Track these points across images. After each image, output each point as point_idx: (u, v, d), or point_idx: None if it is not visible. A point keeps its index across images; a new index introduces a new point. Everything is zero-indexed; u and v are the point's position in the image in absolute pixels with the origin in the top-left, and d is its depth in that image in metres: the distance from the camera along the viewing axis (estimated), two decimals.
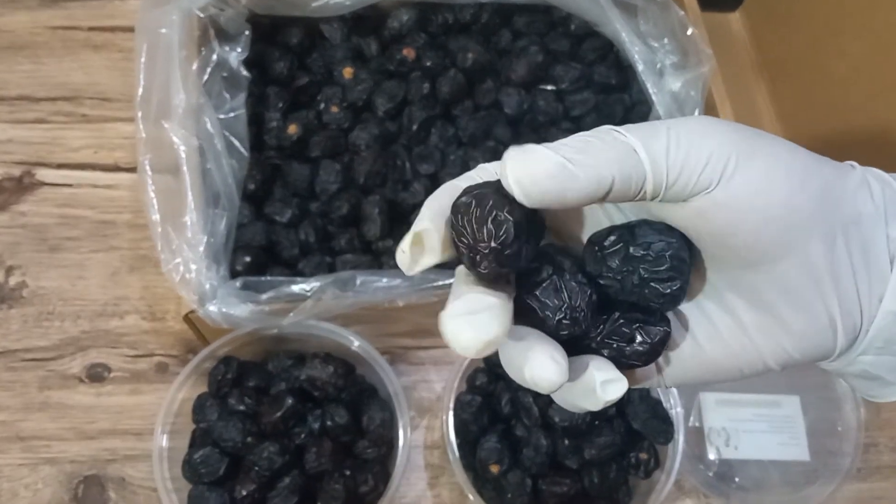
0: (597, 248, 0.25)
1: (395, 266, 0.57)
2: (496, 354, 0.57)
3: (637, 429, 0.53)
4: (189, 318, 0.50)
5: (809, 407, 0.61)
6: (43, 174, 0.65)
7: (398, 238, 0.56)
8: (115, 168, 0.65)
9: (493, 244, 0.22)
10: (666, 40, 0.60)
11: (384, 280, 0.50)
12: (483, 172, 0.26)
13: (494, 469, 0.52)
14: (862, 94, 0.64)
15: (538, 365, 0.22)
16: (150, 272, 0.61)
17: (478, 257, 0.22)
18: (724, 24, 0.80)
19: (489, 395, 0.55)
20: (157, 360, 0.59)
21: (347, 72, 0.62)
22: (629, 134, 0.23)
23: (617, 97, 0.64)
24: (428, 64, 0.62)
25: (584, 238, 0.27)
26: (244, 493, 0.48)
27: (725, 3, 0.80)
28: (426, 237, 0.24)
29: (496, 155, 0.60)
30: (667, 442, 0.53)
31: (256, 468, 0.49)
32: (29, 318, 0.59)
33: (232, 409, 0.51)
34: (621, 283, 0.24)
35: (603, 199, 0.22)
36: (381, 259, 0.56)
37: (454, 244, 0.23)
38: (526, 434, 0.53)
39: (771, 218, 0.23)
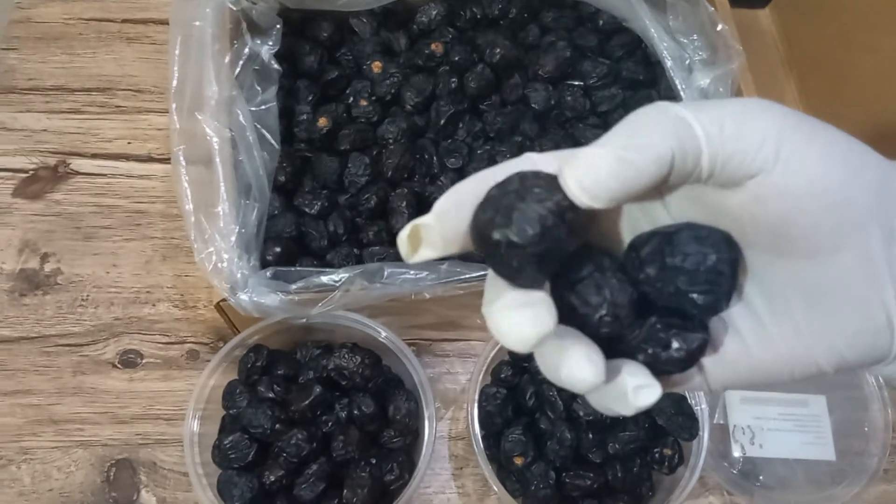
0: (635, 254, 0.24)
1: None
2: None
3: (662, 424, 0.53)
4: (220, 307, 0.51)
5: (836, 406, 0.60)
6: (78, 164, 0.66)
7: None
8: (149, 159, 0.67)
9: (529, 247, 0.21)
10: (695, 36, 0.60)
11: (411, 272, 0.51)
12: (526, 161, 0.24)
13: (518, 461, 0.52)
14: (893, 90, 0.63)
15: (575, 364, 0.22)
16: (182, 261, 0.62)
17: (514, 261, 0.22)
18: (754, 20, 0.80)
19: (514, 387, 0.56)
20: (189, 347, 0.60)
21: (376, 66, 0.63)
22: (678, 106, 0.22)
23: (645, 93, 0.64)
24: (456, 58, 0.62)
25: (623, 236, 0.26)
26: (272, 478, 0.49)
27: None
28: (424, 231, 0.23)
29: (523, 150, 0.60)
30: (691, 438, 0.53)
31: (284, 455, 0.49)
32: (63, 305, 0.60)
33: (261, 397, 0.52)
34: (658, 292, 0.24)
35: (666, 179, 0.22)
36: None
37: (477, 247, 0.23)
38: (550, 427, 0.53)
39: (830, 205, 0.22)
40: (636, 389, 0.23)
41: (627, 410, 0.23)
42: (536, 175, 0.22)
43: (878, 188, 0.23)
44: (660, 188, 0.24)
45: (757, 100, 0.23)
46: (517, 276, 0.22)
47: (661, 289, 0.24)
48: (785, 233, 0.23)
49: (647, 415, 0.54)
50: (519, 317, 0.22)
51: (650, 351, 0.24)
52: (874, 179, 0.23)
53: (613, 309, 0.23)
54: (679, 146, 0.21)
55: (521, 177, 0.22)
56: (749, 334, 0.25)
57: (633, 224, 0.26)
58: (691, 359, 0.24)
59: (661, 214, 0.26)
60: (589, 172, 0.21)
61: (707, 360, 0.25)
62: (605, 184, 0.21)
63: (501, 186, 0.22)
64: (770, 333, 0.24)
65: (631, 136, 0.21)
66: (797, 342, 0.24)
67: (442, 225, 0.23)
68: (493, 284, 0.24)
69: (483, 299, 0.24)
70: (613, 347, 0.24)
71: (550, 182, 0.22)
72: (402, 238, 0.24)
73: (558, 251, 0.22)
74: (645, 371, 0.24)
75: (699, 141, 0.22)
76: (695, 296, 0.23)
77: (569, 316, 0.24)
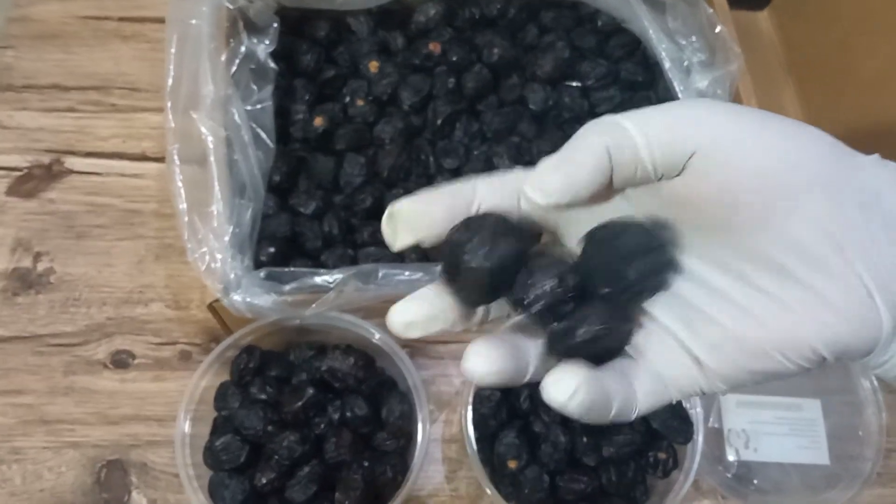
0: (583, 246, 0.27)
1: (417, 260, 0.57)
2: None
3: (656, 428, 0.53)
4: (213, 307, 0.51)
5: (831, 410, 0.60)
6: (72, 162, 0.66)
7: None
8: (143, 158, 0.66)
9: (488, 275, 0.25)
10: (694, 38, 0.59)
11: (406, 273, 0.50)
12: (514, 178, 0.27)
13: (512, 464, 0.52)
14: (892, 94, 0.63)
15: (470, 356, 0.25)
16: (175, 261, 0.62)
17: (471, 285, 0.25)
18: (753, 22, 0.80)
19: (508, 390, 0.55)
20: (181, 347, 0.59)
21: (373, 65, 0.62)
22: (621, 116, 0.25)
23: (643, 94, 0.64)
24: (453, 58, 0.62)
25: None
26: (264, 480, 0.49)
27: (754, 1, 0.80)
28: (398, 217, 0.26)
29: (520, 150, 0.60)
30: (686, 442, 0.53)
31: (277, 456, 0.49)
32: (56, 304, 0.60)
33: (253, 398, 0.52)
34: (601, 274, 0.26)
35: (611, 178, 0.24)
36: (403, 253, 0.56)
37: (451, 267, 0.25)
38: (544, 430, 0.53)
39: (769, 169, 0.23)
40: (555, 382, 0.24)
41: (556, 406, 0.24)
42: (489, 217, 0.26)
43: (827, 159, 0.24)
44: (620, 188, 0.26)
45: (690, 99, 0.26)
46: (470, 296, 0.26)
47: (603, 271, 0.26)
48: (729, 201, 0.24)
49: (642, 418, 0.53)
50: (407, 303, 0.26)
51: (554, 328, 0.26)
52: (821, 151, 0.24)
53: (541, 289, 0.25)
54: (613, 142, 0.24)
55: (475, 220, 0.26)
56: (724, 317, 0.25)
57: (582, 226, 0.28)
58: (550, 308, 0.25)
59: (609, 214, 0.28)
60: (537, 177, 0.24)
61: (699, 352, 0.26)
62: (550, 180, 0.24)
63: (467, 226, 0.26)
64: (746, 310, 0.25)
65: (571, 144, 0.25)
66: (778, 314, 0.24)
67: (414, 211, 0.26)
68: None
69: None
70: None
71: (504, 223, 0.26)
72: (384, 223, 0.26)
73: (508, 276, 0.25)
74: (570, 367, 0.24)
75: (630, 133, 0.24)
76: (632, 275, 0.25)
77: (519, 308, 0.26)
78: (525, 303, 0.25)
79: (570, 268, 0.26)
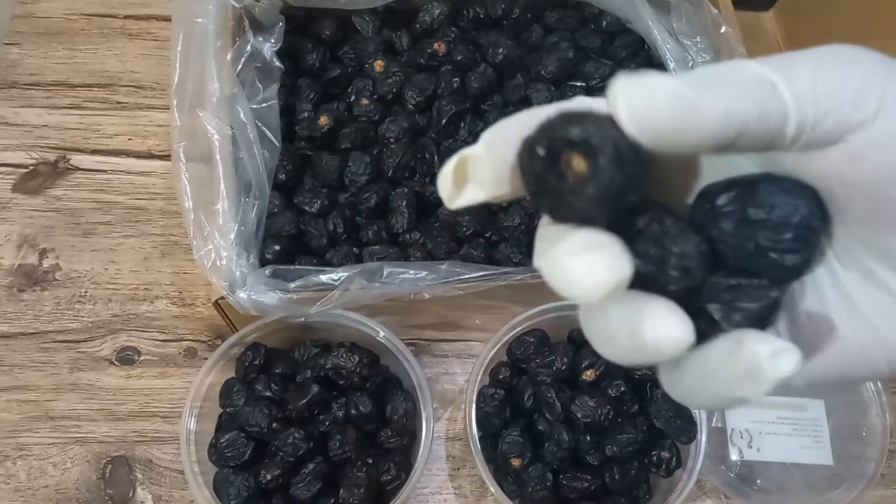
0: (708, 204, 0.21)
1: (422, 258, 0.57)
2: (520, 350, 0.57)
3: (660, 427, 0.53)
4: (219, 305, 0.51)
5: (834, 411, 0.60)
6: (77, 160, 0.66)
7: (425, 231, 0.57)
8: (149, 155, 0.66)
9: (586, 187, 0.18)
10: (698, 38, 0.59)
11: (411, 272, 0.50)
12: (579, 103, 0.21)
13: (516, 462, 0.52)
14: None
15: (661, 321, 0.19)
16: (180, 258, 0.62)
17: (563, 202, 0.19)
18: (758, 23, 0.80)
19: (512, 388, 0.56)
20: (186, 344, 0.60)
21: (378, 64, 0.62)
22: (765, 65, 0.19)
23: None
24: (458, 58, 0.62)
25: (686, 195, 0.23)
26: (269, 477, 0.49)
27: (759, 2, 0.80)
28: (473, 164, 0.20)
29: None
30: (689, 441, 0.53)
31: (281, 454, 0.49)
32: (61, 301, 0.60)
33: (258, 395, 0.52)
34: (734, 250, 0.20)
35: (732, 143, 0.19)
36: (407, 251, 0.56)
37: (528, 180, 0.19)
38: (548, 429, 0.53)
39: None
40: (774, 356, 0.18)
41: (759, 388, 0.19)
42: (591, 112, 0.19)
43: None
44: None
45: (843, 46, 0.20)
46: (577, 213, 0.19)
47: (738, 246, 0.20)
48: (885, 196, 0.19)
49: (645, 417, 0.54)
50: (592, 257, 0.18)
51: (713, 310, 0.20)
52: None
53: (680, 261, 0.20)
54: (759, 110, 0.18)
55: (577, 111, 0.19)
56: (837, 313, 0.22)
57: (697, 184, 0.23)
58: (761, 319, 0.20)
59: (726, 168, 0.22)
60: (644, 97, 0.18)
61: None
62: (658, 116, 0.18)
63: (556, 118, 0.19)
64: (863, 311, 0.21)
65: (705, 82, 0.18)
66: None
67: (492, 157, 0.20)
68: (547, 234, 0.20)
69: (535, 253, 0.20)
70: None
71: (608, 119, 0.19)
72: (446, 174, 0.20)
73: (625, 186, 0.19)
74: (771, 336, 0.19)
75: (785, 104, 0.18)
76: (777, 255, 0.20)
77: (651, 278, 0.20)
78: (663, 275, 0.20)
79: (693, 232, 0.20)
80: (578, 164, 0.18)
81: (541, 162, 0.19)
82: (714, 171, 0.22)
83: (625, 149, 0.18)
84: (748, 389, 0.19)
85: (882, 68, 0.19)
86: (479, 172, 0.20)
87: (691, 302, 0.20)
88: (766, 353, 0.18)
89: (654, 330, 0.19)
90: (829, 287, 0.22)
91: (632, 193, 0.19)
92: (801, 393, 0.60)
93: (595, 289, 0.18)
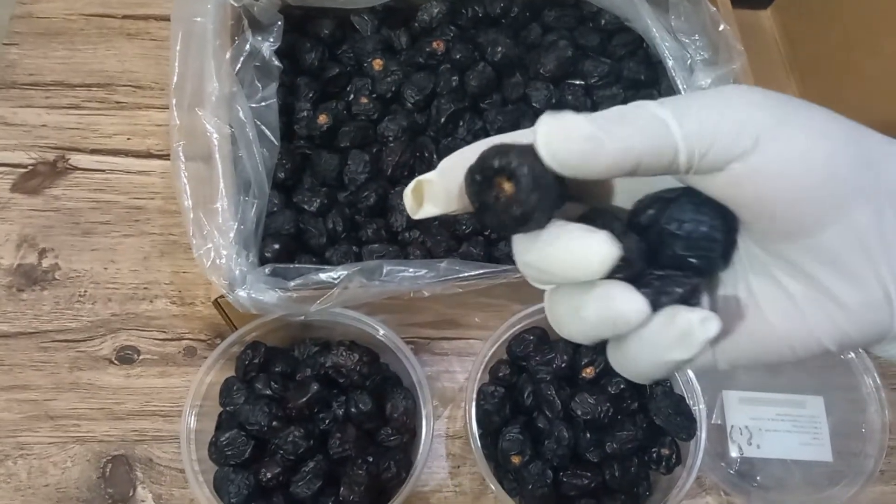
0: (636, 219, 0.26)
1: (422, 256, 0.57)
2: (520, 347, 0.57)
3: (659, 424, 0.53)
4: (218, 303, 0.51)
5: (833, 408, 0.60)
6: (76, 159, 0.66)
7: (424, 229, 0.57)
8: (148, 155, 0.67)
9: (513, 204, 0.22)
10: (697, 36, 0.60)
11: (410, 270, 0.51)
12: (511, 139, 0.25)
13: (516, 460, 0.52)
14: (894, 91, 0.63)
15: (621, 296, 0.23)
16: (180, 258, 0.62)
17: (498, 217, 0.23)
18: (756, 21, 0.80)
19: (512, 386, 0.56)
20: (186, 343, 0.60)
21: (377, 63, 0.63)
22: (660, 107, 0.23)
23: (646, 93, 0.64)
24: (457, 57, 0.62)
25: (621, 197, 0.27)
26: (269, 475, 0.49)
27: (757, 0, 0.80)
28: (427, 187, 0.25)
29: None
30: (689, 438, 0.53)
31: (281, 452, 0.49)
32: (61, 300, 0.60)
33: (258, 394, 0.52)
34: (657, 254, 0.25)
35: (633, 171, 0.22)
36: (407, 249, 0.57)
37: (472, 200, 0.24)
38: (548, 426, 0.53)
39: (809, 185, 0.22)
40: (703, 320, 0.23)
41: (690, 350, 0.23)
42: (518, 144, 0.23)
43: (863, 162, 0.23)
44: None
45: (734, 87, 0.23)
46: (510, 224, 0.23)
47: (660, 252, 0.25)
48: (766, 213, 0.23)
49: (644, 414, 0.54)
50: (593, 239, 0.22)
51: (647, 295, 0.24)
52: (858, 154, 0.23)
53: (625, 253, 0.23)
54: (652, 145, 0.22)
55: (508, 144, 0.23)
56: (743, 306, 0.26)
57: (632, 188, 0.27)
58: (685, 301, 0.25)
59: (655, 179, 0.26)
60: (559, 135, 0.22)
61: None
62: (568, 147, 0.22)
63: (490, 150, 0.24)
64: (766, 307, 0.25)
65: (610, 122, 0.22)
66: (794, 314, 0.24)
67: (444, 180, 0.25)
68: (526, 237, 0.24)
69: (518, 254, 0.24)
70: None
71: (531, 150, 0.23)
72: (407, 193, 0.25)
73: (545, 202, 0.23)
74: (697, 307, 0.24)
75: (675, 139, 0.22)
76: (691, 259, 0.25)
77: None
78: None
79: (638, 238, 0.25)
80: (506, 186, 0.23)
81: (479, 185, 0.23)
82: (648, 182, 0.26)
83: (541, 173, 0.22)
84: (681, 352, 0.23)
85: (762, 108, 0.23)
86: (432, 193, 0.25)
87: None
88: (696, 319, 0.23)
89: (624, 304, 0.23)
90: (739, 287, 0.26)
91: (551, 207, 0.23)
92: (799, 389, 0.60)
93: (601, 262, 0.22)
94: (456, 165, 0.24)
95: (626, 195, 0.27)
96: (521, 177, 0.22)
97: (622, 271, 0.24)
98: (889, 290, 0.23)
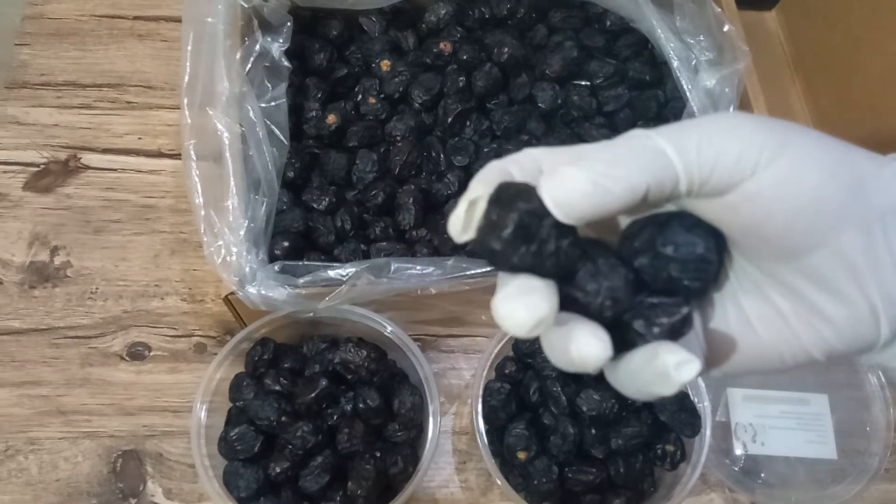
0: (629, 243, 0.26)
1: (429, 254, 0.58)
2: (526, 344, 0.58)
3: (664, 421, 0.54)
4: (228, 300, 0.51)
5: (838, 406, 0.60)
6: (88, 158, 0.67)
7: (431, 227, 0.58)
8: (159, 154, 0.67)
9: (528, 248, 0.23)
10: (702, 37, 0.60)
11: (417, 268, 0.51)
12: (528, 158, 0.26)
13: (522, 456, 0.52)
14: None
15: (584, 342, 0.23)
16: (190, 255, 0.63)
17: (514, 258, 0.23)
18: (761, 22, 0.80)
19: (518, 383, 0.56)
20: (196, 340, 0.60)
21: (385, 64, 0.63)
22: (658, 137, 0.23)
23: (651, 93, 0.65)
24: (464, 58, 0.63)
25: (617, 229, 0.28)
26: (278, 470, 0.50)
27: (762, 1, 0.80)
28: (480, 205, 0.24)
29: None
30: (693, 435, 0.53)
31: (290, 447, 0.50)
32: (72, 297, 0.61)
33: (268, 389, 0.53)
34: (652, 278, 0.26)
35: (638, 207, 0.23)
36: (414, 247, 0.57)
37: (485, 233, 0.24)
38: (553, 422, 0.53)
39: (800, 209, 0.23)
40: (678, 365, 0.23)
41: (670, 389, 0.24)
42: (516, 186, 0.24)
43: (853, 185, 0.23)
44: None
45: (730, 116, 0.24)
46: (506, 266, 0.24)
47: (655, 275, 0.25)
48: (759, 235, 0.24)
49: (649, 411, 0.54)
50: (515, 304, 0.23)
51: (638, 326, 0.25)
52: (849, 177, 0.23)
53: (611, 293, 0.25)
54: (655, 179, 0.23)
55: (504, 187, 0.24)
56: (733, 321, 0.27)
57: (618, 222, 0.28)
58: (674, 331, 0.25)
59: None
60: (564, 191, 0.23)
61: (700, 343, 0.27)
62: (577, 204, 0.22)
63: (499, 190, 0.24)
64: (752, 322, 0.26)
65: (609, 166, 0.23)
66: (784, 330, 0.25)
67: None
68: (501, 278, 0.25)
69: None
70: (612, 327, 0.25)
71: (530, 192, 0.23)
72: (459, 216, 0.24)
73: (538, 249, 0.23)
74: (679, 347, 0.24)
75: (676, 170, 0.23)
76: (686, 282, 0.25)
77: (572, 306, 0.25)
78: (597, 305, 0.25)
79: (622, 265, 0.25)
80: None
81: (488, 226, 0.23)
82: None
83: (526, 220, 0.23)
84: (661, 389, 0.24)
85: (759, 135, 0.23)
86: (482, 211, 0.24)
87: (622, 318, 0.25)
88: (672, 363, 0.23)
89: (577, 350, 0.23)
90: (729, 303, 0.27)
91: (546, 252, 0.23)
92: (803, 387, 0.60)
93: (517, 328, 0.23)
94: (492, 184, 0.24)
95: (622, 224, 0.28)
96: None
97: (611, 310, 0.25)
98: (876, 307, 0.24)
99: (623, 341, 0.25)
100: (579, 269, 0.25)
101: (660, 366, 0.24)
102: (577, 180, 0.22)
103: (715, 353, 0.27)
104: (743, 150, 0.23)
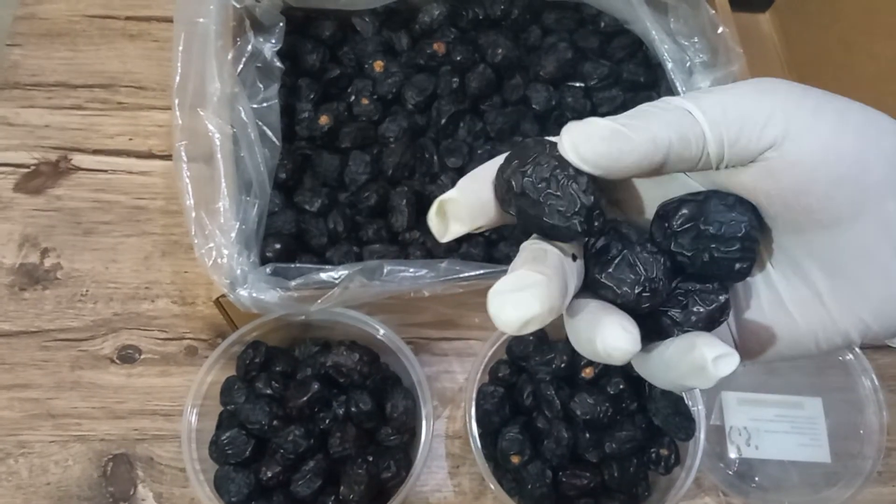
0: (666, 224, 0.25)
1: (422, 257, 0.58)
2: (520, 347, 0.58)
3: (658, 425, 0.53)
4: (219, 303, 0.51)
5: (832, 409, 0.60)
6: (79, 159, 0.66)
7: (425, 229, 0.58)
8: (150, 155, 0.67)
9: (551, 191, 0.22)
10: (696, 39, 0.60)
11: (410, 270, 0.51)
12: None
13: (515, 460, 0.52)
14: (893, 95, 0.63)
15: (610, 335, 0.22)
16: (181, 257, 0.62)
17: (531, 211, 0.22)
18: (755, 24, 0.80)
19: (511, 386, 0.56)
20: (187, 343, 0.60)
21: (378, 65, 0.63)
22: (685, 98, 0.23)
23: (645, 95, 0.64)
24: (457, 58, 0.62)
25: (646, 212, 0.27)
26: (269, 474, 0.49)
27: (756, 3, 0.80)
28: (450, 207, 0.24)
29: None
30: (688, 439, 0.53)
31: (282, 451, 0.50)
32: (62, 300, 0.61)
33: (259, 393, 0.52)
34: (691, 260, 0.24)
35: (662, 164, 0.22)
36: (407, 249, 0.57)
37: (505, 205, 0.23)
38: (547, 426, 0.53)
39: (844, 175, 0.22)
40: (716, 360, 0.22)
41: (707, 383, 0.22)
42: (532, 140, 0.24)
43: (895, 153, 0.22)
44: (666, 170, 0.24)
45: (759, 80, 0.23)
46: (545, 225, 0.23)
47: (694, 257, 0.24)
48: (800, 205, 0.23)
49: (643, 415, 0.54)
50: (507, 299, 0.22)
51: (673, 314, 0.24)
52: (890, 147, 0.23)
53: (650, 284, 0.23)
54: (678, 134, 0.22)
55: (535, 141, 0.23)
56: (767, 307, 0.26)
57: (649, 195, 0.27)
58: (712, 319, 0.24)
59: (675, 187, 0.26)
60: (583, 135, 0.22)
61: (733, 328, 0.26)
62: (595, 148, 0.22)
63: (518, 149, 0.24)
64: (787, 305, 0.25)
65: (633, 118, 0.22)
66: (820, 312, 0.24)
67: (465, 197, 0.24)
68: (511, 265, 0.24)
69: None
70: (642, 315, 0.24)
71: (545, 144, 0.23)
72: (431, 216, 0.24)
73: (555, 199, 0.23)
74: (717, 340, 0.23)
75: (701, 127, 0.22)
76: (736, 264, 0.24)
77: (607, 297, 0.24)
78: (634, 297, 0.24)
79: (658, 252, 0.24)
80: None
81: (501, 187, 0.23)
82: (668, 190, 0.26)
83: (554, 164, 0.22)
84: (696, 382, 0.23)
85: (792, 98, 0.23)
86: (455, 212, 0.24)
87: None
88: (711, 356, 0.22)
89: (604, 342, 0.22)
90: (763, 288, 0.26)
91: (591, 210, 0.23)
92: (797, 390, 0.60)
93: (505, 325, 0.22)
94: (475, 180, 0.25)
95: (653, 208, 0.27)
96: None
97: (649, 301, 0.23)
98: None
99: (654, 329, 0.24)
100: (614, 256, 0.24)
101: (697, 359, 0.22)
102: (596, 125, 0.22)
103: (750, 344, 0.26)
104: (774, 111, 0.22)
